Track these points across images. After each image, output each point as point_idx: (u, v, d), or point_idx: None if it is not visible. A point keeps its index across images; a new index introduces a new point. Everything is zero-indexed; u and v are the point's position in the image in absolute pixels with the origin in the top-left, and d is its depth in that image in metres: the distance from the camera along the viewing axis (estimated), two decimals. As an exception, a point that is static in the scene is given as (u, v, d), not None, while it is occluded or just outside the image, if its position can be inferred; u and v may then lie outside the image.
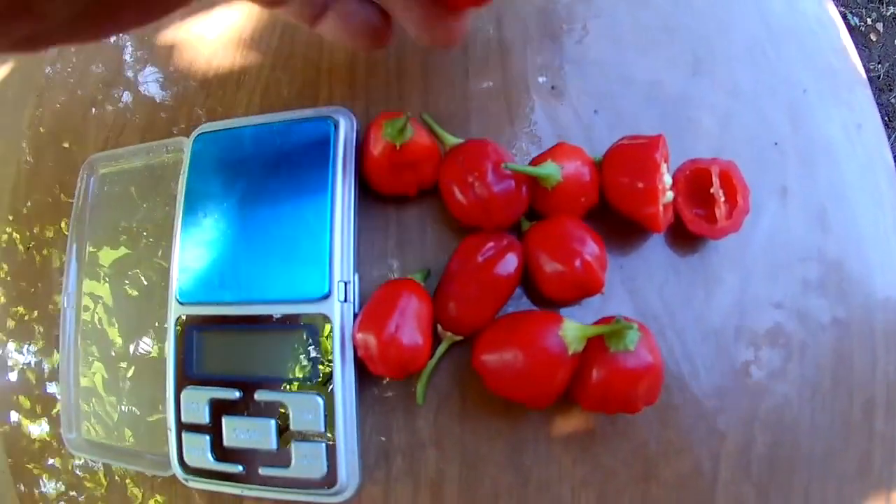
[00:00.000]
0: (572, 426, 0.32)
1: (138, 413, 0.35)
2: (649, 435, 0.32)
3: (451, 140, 0.33)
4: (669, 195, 0.32)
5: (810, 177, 0.38)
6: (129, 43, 0.43)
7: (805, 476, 0.33)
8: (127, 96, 0.41)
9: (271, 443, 0.30)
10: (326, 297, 0.30)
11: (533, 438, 0.32)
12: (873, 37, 1.03)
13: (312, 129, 0.32)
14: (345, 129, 0.32)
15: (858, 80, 0.43)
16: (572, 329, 0.28)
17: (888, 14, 1.03)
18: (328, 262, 0.30)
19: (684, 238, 0.34)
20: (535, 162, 0.33)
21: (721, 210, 0.33)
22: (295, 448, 0.30)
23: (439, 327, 0.31)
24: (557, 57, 0.38)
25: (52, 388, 0.38)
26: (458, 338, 0.31)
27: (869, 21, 1.03)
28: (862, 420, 0.34)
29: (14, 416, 0.39)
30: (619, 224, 0.33)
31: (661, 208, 0.31)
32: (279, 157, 0.32)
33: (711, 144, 0.37)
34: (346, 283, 0.30)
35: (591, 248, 0.30)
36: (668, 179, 0.32)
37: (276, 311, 0.30)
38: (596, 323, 0.30)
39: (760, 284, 0.35)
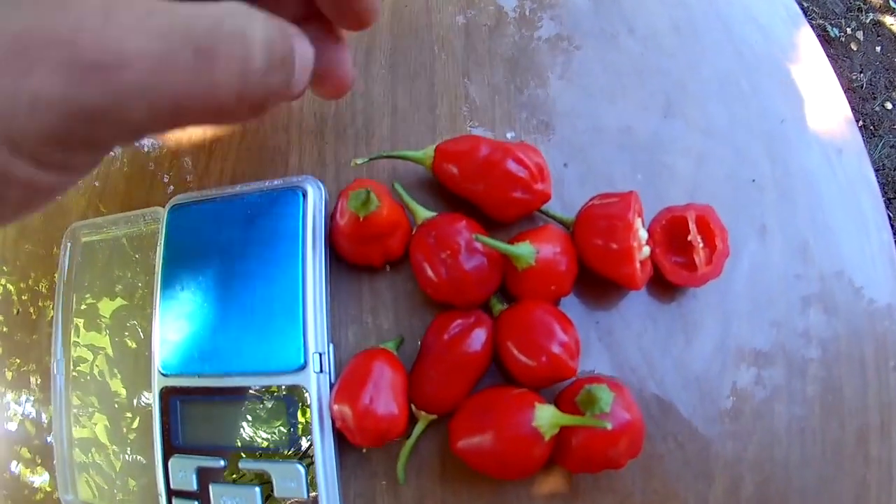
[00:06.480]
0: (556, 484, 0.32)
1: (144, 462, 0.35)
2: (634, 487, 0.32)
3: (423, 214, 0.32)
4: (646, 250, 0.32)
5: (790, 211, 0.38)
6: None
7: (798, 509, 0.32)
8: (104, 164, 0.41)
9: (257, 510, 0.30)
10: (302, 368, 0.30)
11: (515, 497, 0.32)
12: (854, 46, 1.01)
13: (282, 199, 0.32)
14: (313, 200, 0.32)
15: (837, 102, 0.43)
16: (546, 417, 0.28)
17: (867, 21, 1.02)
18: (302, 333, 0.30)
19: (661, 286, 0.34)
20: (514, 240, 0.31)
21: (700, 256, 0.33)
22: (280, 516, 0.30)
23: (413, 407, 0.31)
24: (525, 111, 0.38)
25: (51, 439, 0.38)
26: (433, 417, 0.31)
27: (849, 31, 1.02)
28: (856, 447, 0.34)
29: (15, 466, 0.39)
30: (593, 278, 0.33)
31: (637, 267, 0.30)
32: (252, 229, 0.32)
33: (686, 187, 0.37)
34: (320, 355, 0.30)
35: (558, 339, 0.29)
36: (643, 235, 0.32)
37: (255, 382, 0.31)
38: (569, 388, 0.29)
39: (743, 326, 0.35)
